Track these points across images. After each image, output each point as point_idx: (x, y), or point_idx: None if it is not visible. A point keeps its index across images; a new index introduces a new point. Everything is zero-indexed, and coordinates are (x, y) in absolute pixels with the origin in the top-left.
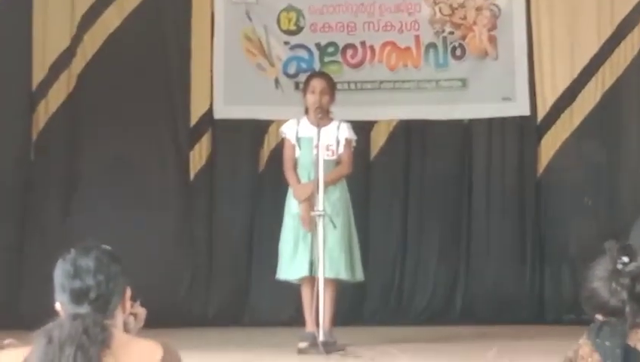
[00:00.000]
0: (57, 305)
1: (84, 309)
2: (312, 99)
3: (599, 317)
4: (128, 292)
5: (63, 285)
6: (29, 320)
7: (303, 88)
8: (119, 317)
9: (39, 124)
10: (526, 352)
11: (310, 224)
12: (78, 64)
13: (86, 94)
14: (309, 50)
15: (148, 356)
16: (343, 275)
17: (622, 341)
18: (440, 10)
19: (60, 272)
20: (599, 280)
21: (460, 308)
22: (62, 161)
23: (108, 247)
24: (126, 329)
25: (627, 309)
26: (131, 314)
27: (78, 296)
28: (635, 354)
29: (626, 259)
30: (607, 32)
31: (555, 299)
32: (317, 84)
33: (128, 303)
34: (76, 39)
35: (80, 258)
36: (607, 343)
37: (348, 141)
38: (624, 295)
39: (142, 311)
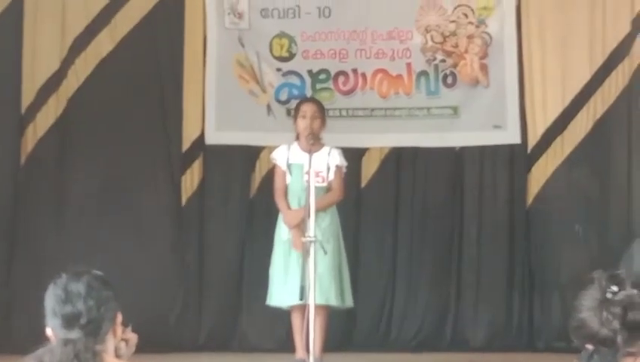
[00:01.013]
0: (48, 330)
1: (75, 334)
2: (302, 124)
3: (589, 346)
4: (119, 318)
5: (54, 310)
6: (20, 344)
7: (294, 114)
8: (110, 343)
9: (27, 147)
10: None
11: (302, 248)
12: (69, 88)
13: (77, 118)
14: (300, 76)
15: None
16: (333, 301)
17: None
18: (432, 38)
19: (51, 297)
20: (589, 310)
21: (451, 335)
22: (51, 185)
23: (99, 272)
24: (117, 354)
25: (619, 338)
26: (123, 339)
27: (69, 321)
28: None
29: (615, 288)
30: (599, 61)
31: (545, 327)
32: (307, 108)
33: (119, 328)
34: (67, 62)
35: (71, 283)
36: None
37: (338, 168)
38: (616, 324)
39: (133, 337)
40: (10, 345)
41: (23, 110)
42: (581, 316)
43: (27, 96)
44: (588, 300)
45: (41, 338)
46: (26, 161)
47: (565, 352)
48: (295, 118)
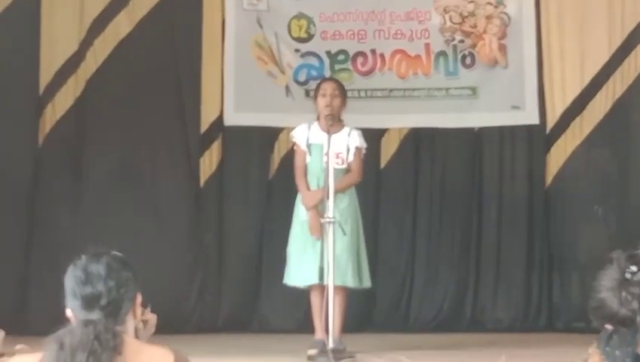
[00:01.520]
0: (68, 311)
1: (95, 315)
2: (323, 102)
3: (608, 326)
4: (139, 299)
5: (74, 291)
6: (37, 325)
7: (314, 93)
8: (130, 324)
9: (45, 128)
10: (535, 360)
11: (318, 231)
12: (87, 69)
13: (95, 99)
14: (319, 57)
15: None
16: (350, 283)
17: (632, 349)
18: (450, 19)
19: (71, 278)
20: (608, 290)
21: (470, 315)
22: (69, 167)
23: (118, 253)
24: (137, 335)
25: (638, 318)
26: (142, 320)
27: (89, 302)
28: None
29: (634, 268)
30: (618, 41)
31: (564, 307)
32: (328, 87)
33: (139, 309)
34: (85, 44)
35: (91, 264)
36: (617, 352)
37: (358, 149)
38: (635, 304)
39: (152, 318)
40: (28, 327)
41: (41, 91)
42: (600, 296)
43: (45, 78)
44: (607, 280)
45: (58, 320)
46: (44, 142)
47: (584, 332)
48: (315, 96)
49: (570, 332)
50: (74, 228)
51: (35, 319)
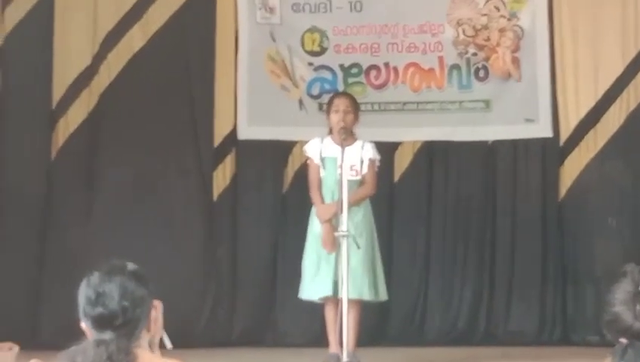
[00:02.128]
0: (83, 324)
1: (107, 335)
2: (335, 118)
3: (623, 340)
4: (154, 313)
5: (85, 310)
6: (50, 339)
7: (327, 108)
8: (145, 338)
9: (59, 142)
10: None
11: (332, 245)
12: (101, 83)
13: (108, 113)
14: (332, 71)
15: None
16: (366, 295)
17: None
18: (463, 32)
19: (82, 297)
20: (622, 303)
21: (484, 329)
22: (82, 180)
23: (134, 266)
24: (151, 348)
25: None
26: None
27: (100, 323)
28: None
29: None
30: (632, 53)
31: (579, 321)
32: (340, 103)
33: (155, 323)
34: (99, 58)
35: (103, 283)
36: None
37: (372, 161)
38: None
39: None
40: (41, 341)
41: (54, 105)
42: (614, 310)
43: (58, 92)
44: (620, 294)
45: (70, 334)
46: (57, 156)
47: (599, 346)
48: (328, 112)
49: (584, 345)
50: (87, 242)
51: (48, 333)
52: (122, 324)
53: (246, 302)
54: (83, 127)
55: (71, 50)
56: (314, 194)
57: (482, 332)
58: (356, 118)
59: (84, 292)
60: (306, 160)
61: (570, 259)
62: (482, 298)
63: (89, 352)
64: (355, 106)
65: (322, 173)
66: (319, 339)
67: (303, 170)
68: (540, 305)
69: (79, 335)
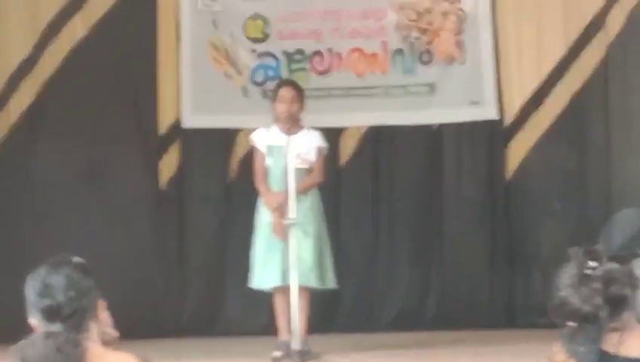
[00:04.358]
0: (31, 319)
1: (56, 327)
2: (281, 108)
3: (571, 324)
4: (103, 304)
5: (33, 303)
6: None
7: (272, 97)
8: (94, 330)
9: (1, 132)
10: (498, 357)
11: (282, 233)
12: (42, 73)
13: (51, 104)
14: (276, 57)
15: None
16: (314, 283)
17: (596, 346)
18: (406, 16)
19: (30, 290)
20: (568, 287)
21: (432, 313)
22: (26, 171)
23: (80, 260)
24: (103, 340)
25: (602, 314)
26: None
27: (49, 314)
28: (611, 359)
29: (593, 263)
30: (574, 34)
31: (525, 304)
32: (286, 93)
33: (104, 314)
34: (39, 48)
35: (50, 275)
36: (581, 349)
37: (319, 149)
38: (598, 300)
39: (113, 333)
40: None
41: None
42: (561, 294)
43: None
44: (566, 278)
45: (19, 328)
46: (0, 147)
47: (546, 328)
48: (273, 101)
49: (531, 328)
50: (32, 234)
51: None
52: (69, 315)
53: (194, 291)
54: (25, 117)
55: (11, 40)
56: (259, 184)
57: (431, 317)
58: (302, 107)
59: (31, 286)
60: (251, 148)
61: (517, 241)
62: (430, 282)
63: (38, 344)
64: (301, 95)
65: (269, 162)
66: (269, 327)
67: (249, 158)
68: (487, 289)
69: (25, 329)
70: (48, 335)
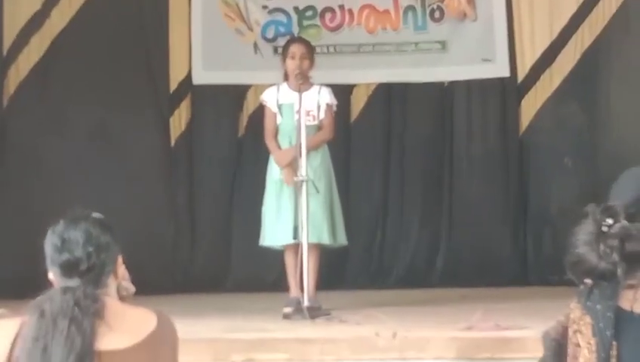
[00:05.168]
0: (50, 275)
1: (74, 282)
2: (292, 64)
3: (588, 281)
4: (120, 259)
5: (52, 258)
6: (5, 289)
7: (282, 54)
8: (112, 285)
9: (10, 89)
10: (511, 314)
11: (294, 183)
12: (52, 29)
13: (61, 60)
14: (287, 13)
15: (142, 324)
16: (326, 240)
17: (613, 303)
18: None
19: (49, 245)
20: (585, 244)
21: (442, 269)
22: (36, 128)
23: (98, 215)
24: (120, 295)
25: (619, 270)
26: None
27: (67, 269)
28: (627, 315)
29: (610, 220)
30: None
31: (538, 260)
32: (296, 49)
33: (121, 269)
34: (50, 3)
35: (68, 230)
36: (598, 306)
37: (329, 106)
38: (615, 256)
39: (130, 287)
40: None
41: (4, 52)
42: (578, 251)
43: (8, 38)
44: (583, 235)
45: (26, 285)
46: (9, 104)
47: (559, 285)
48: (284, 58)
49: (543, 285)
50: (43, 191)
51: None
52: (88, 270)
53: (204, 247)
54: (34, 74)
55: None
56: (270, 142)
57: (440, 274)
58: (312, 64)
59: (50, 241)
60: (261, 104)
61: (529, 198)
62: (441, 239)
63: (56, 299)
64: (311, 52)
65: (279, 121)
66: (278, 283)
67: (258, 114)
68: (499, 245)
69: (38, 286)
70: (66, 290)
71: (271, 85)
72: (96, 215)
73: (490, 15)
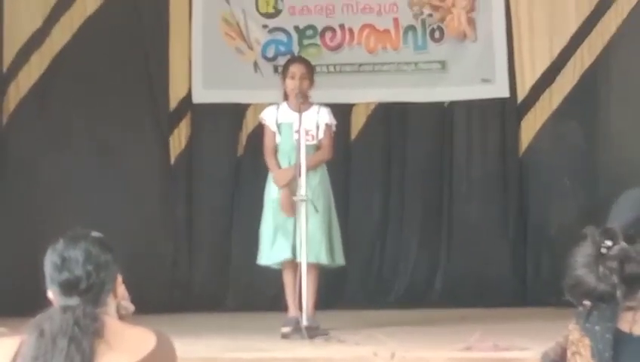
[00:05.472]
0: (49, 294)
1: (74, 301)
2: (291, 84)
3: (587, 303)
4: (119, 278)
5: (51, 277)
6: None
7: (282, 73)
8: (112, 304)
9: (10, 107)
10: (509, 334)
11: (290, 210)
12: (53, 47)
13: (61, 77)
14: (287, 33)
15: (141, 343)
16: (324, 260)
17: (612, 325)
18: None
19: (49, 264)
20: (584, 266)
21: (441, 290)
22: (35, 146)
23: (98, 234)
24: (120, 314)
25: (618, 292)
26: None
27: (67, 288)
28: (625, 337)
29: (609, 242)
30: (586, 11)
31: (537, 281)
32: (296, 69)
33: (121, 288)
34: (50, 20)
35: (68, 249)
36: (596, 328)
37: (328, 126)
38: (614, 278)
39: (130, 307)
40: None
41: (4, 69)
42: (576, 273)
43: (8, 55)
44: (582, 257)
45: (25, 300)
46: (8, 121)
47: (557, 306)
48: (283, 78)
49: (541, 306)
50: (42, 208)
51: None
52: (87, 289)
53: (203, 265)
54: (35, 91)
55: (21, 13)
56: (269, 160)
57: (439, 294)
58: (312, 83)
59: (49, 259)
60: (260, 123)
61: (529, 219)
62: (440, 259)
63: (55, 318)
64: (311, 72)
65: (278, 140)
66: (277, 302)
67: (258, 133)
68: (497, 266)
69: (43, 303)
70: (66, 309)
71: (271, 104)
72: (95, 234)
73: (490, 35)
